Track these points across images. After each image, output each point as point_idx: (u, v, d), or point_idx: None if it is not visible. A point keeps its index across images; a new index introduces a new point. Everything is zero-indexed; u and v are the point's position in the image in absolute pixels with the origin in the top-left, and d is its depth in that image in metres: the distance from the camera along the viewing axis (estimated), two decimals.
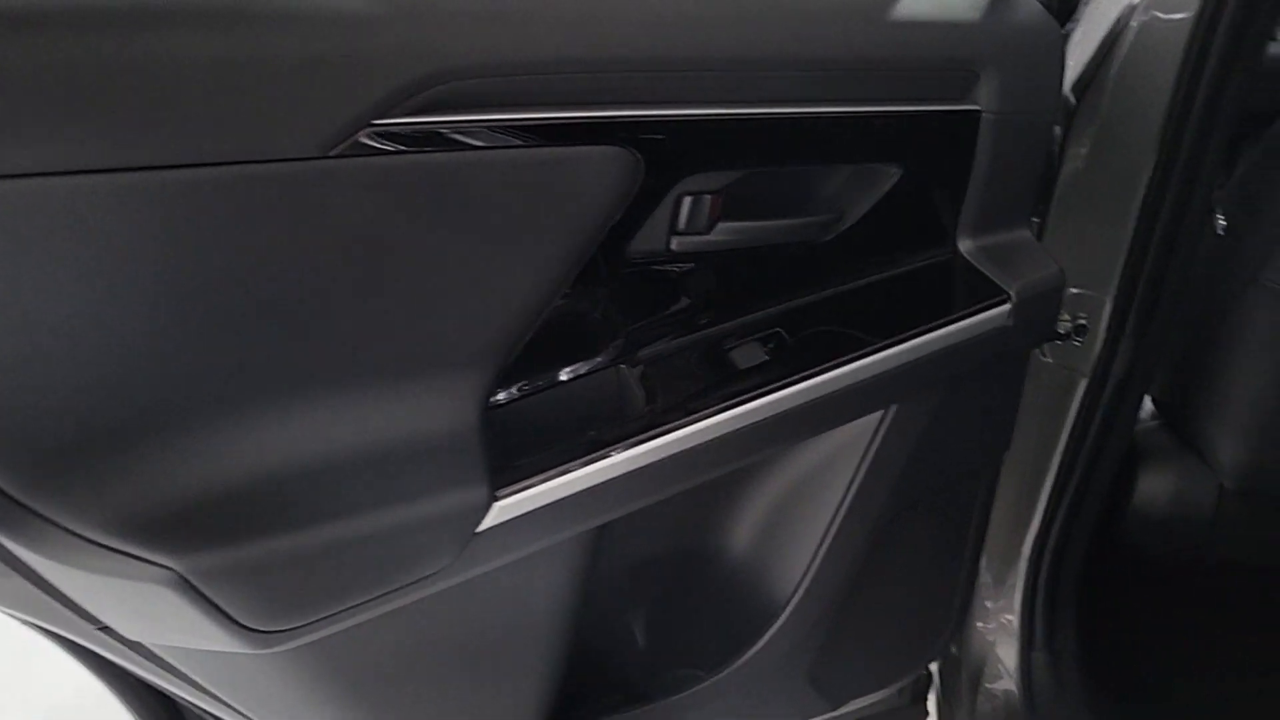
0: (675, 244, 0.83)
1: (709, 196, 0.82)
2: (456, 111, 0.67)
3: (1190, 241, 1.17)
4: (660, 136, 0.75)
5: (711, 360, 0.88)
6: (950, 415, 1.02)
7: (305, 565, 0.72)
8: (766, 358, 0.89)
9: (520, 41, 0.68)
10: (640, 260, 0.82)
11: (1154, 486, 1.49)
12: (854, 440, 1.00)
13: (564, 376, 0.83)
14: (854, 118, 0.84)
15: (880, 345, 0.91)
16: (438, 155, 0.67)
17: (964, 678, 1.51)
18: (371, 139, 0.63)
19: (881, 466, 1.01)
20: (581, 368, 0.84)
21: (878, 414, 0.98)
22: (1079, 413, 1.28)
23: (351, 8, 0.62)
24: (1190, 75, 1.06)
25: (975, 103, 0.89)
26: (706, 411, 0.85)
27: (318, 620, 0.76)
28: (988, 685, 1.49)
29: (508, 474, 0.79)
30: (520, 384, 0.82)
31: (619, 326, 0.85)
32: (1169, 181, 1.12)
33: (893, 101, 0.86)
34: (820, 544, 1.05)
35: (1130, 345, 1.23)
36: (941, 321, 0.93)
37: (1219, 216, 1.36)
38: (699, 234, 0.83)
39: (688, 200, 0.81)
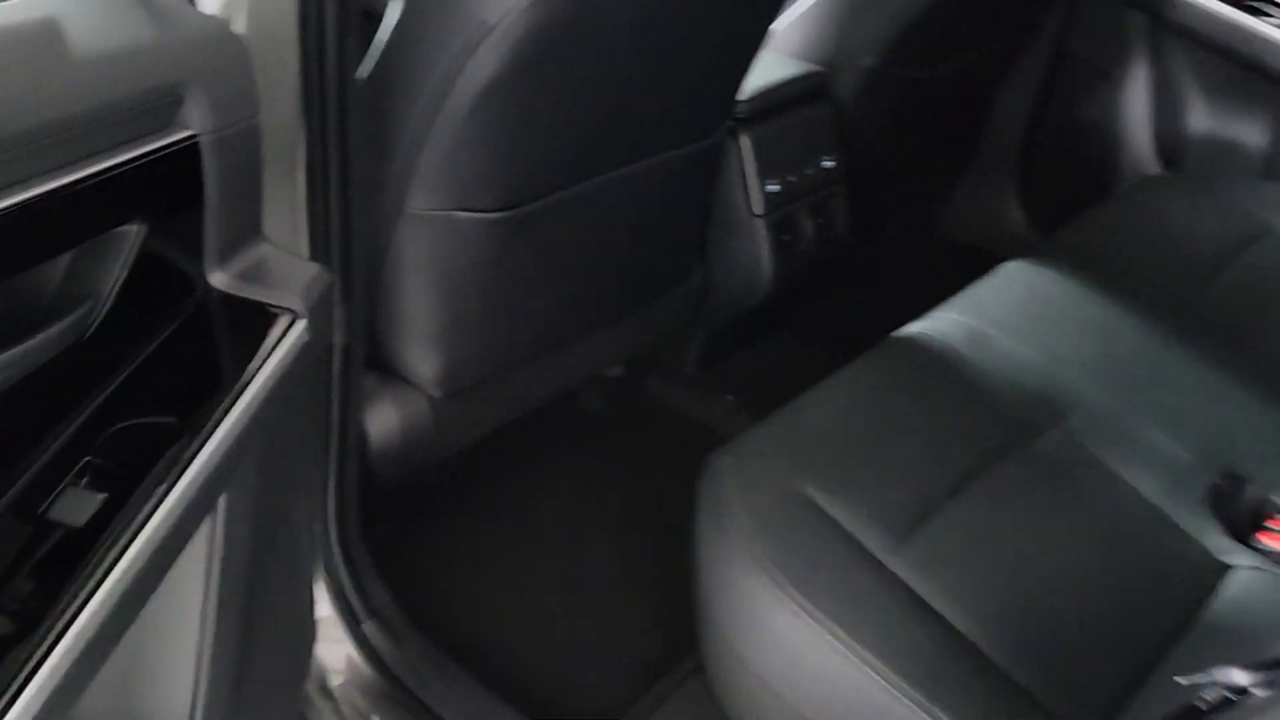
0: None
1: None
2: None
3: (358, 196, 1.19)
4: None
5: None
6: (288, 466, 0.91)
7: None
8: (87, 523, 0.67)
9: None
10: None
11: (383, 425, 1.55)
12: (191, 557, 0.83)
13: None
14: (67, 189, 0.66)
15: (200, 444, 0.75)
16: None
17: (316, 692, 1.44)
18: None
19: (230, 561, 0.86)
20: None
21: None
22: (319, 390, 1.26)
23: None
24: (312, 34, 1.04)
25: (188, 127, 0.76)
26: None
27: None
28: (337, 684, 1.44)
29: None
30: None
31: None
32: (326, 143, 1.11)
33: (105, 155, 0.69)
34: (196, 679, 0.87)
35: (343, 311, 1.23)
36: (246, 380, 0.81)
37: None
38: None
39: None
